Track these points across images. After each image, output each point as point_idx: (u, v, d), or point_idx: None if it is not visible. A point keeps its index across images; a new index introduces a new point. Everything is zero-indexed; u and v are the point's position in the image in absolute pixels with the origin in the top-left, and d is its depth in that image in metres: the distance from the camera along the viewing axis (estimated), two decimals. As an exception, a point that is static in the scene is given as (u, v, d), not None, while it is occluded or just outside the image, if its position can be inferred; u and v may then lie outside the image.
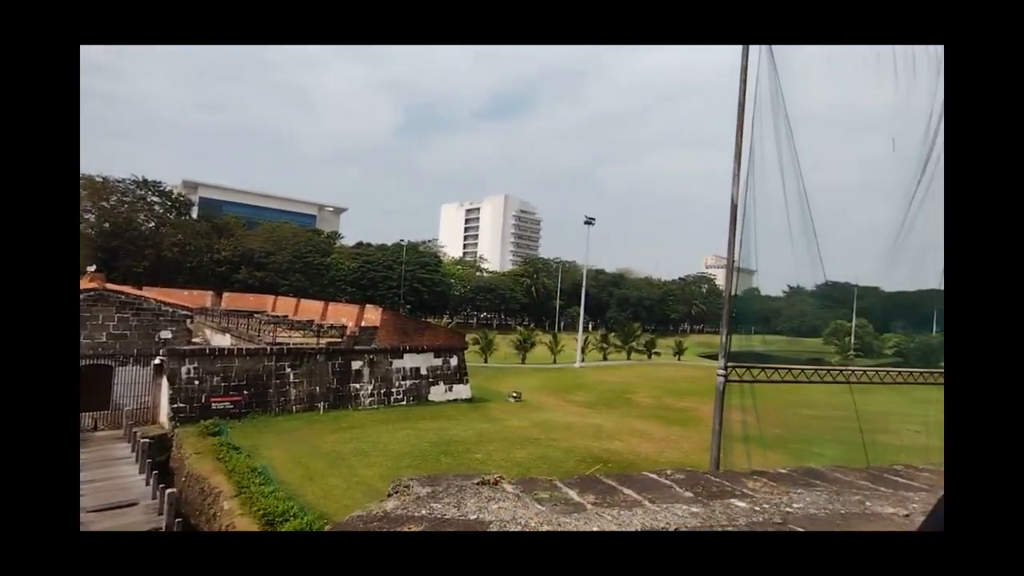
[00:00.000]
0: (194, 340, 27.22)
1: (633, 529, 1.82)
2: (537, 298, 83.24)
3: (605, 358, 55.67)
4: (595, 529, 1.80)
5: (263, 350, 23.88)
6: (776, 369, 7.66)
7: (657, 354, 59.13)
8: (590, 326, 73.27)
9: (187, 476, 15.91)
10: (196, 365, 21.63)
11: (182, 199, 65.79)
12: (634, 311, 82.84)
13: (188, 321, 25.37)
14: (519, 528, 1.70)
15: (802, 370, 8.05)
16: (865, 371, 8.95)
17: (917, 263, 8.41)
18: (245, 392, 22.70)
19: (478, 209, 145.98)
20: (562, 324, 76.63)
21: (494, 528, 1.69)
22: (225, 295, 43.72)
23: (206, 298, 41.71)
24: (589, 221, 59.55)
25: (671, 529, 1.84)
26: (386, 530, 1.62)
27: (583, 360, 51.13)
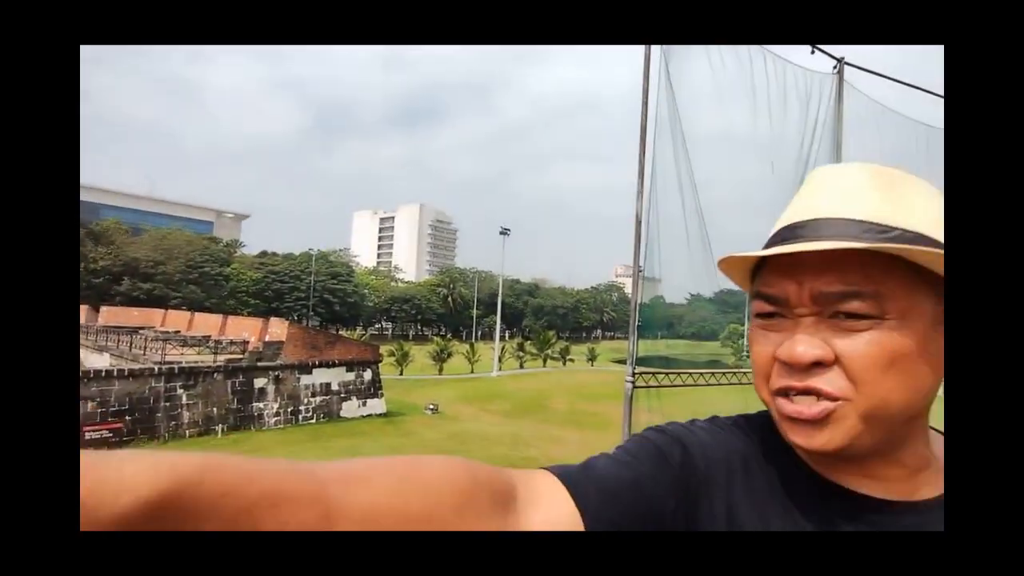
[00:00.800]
0: (64, 361, 24.17)
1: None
2: (454, 308, 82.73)
3: (522, 366, 56.39)
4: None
5: (149, 370, 21.64)
6: (679, 373, 8.18)
7: (571, 360, 60.85)
8: (507, 335, 74.06)
9: (53, 518, 13.96)
10: (66, 390, 19.12)
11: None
12: (549, 319, 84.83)
13: (56, 340, 22.44)
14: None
15: (700, 374, 8.69)
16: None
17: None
18: (127, 418, 20.36)
19: (392, 218, 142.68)
20: (479, 334, 76.66)
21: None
22: (103, 309, 39.01)
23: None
24: (504, 231, 60.30)
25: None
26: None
27: (500, 369, 51.43)
